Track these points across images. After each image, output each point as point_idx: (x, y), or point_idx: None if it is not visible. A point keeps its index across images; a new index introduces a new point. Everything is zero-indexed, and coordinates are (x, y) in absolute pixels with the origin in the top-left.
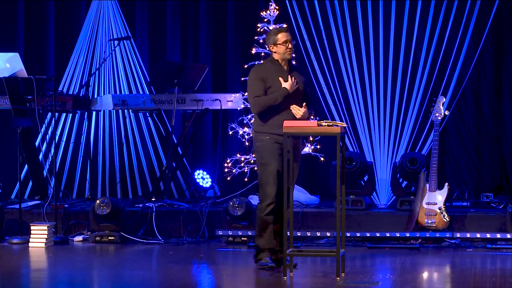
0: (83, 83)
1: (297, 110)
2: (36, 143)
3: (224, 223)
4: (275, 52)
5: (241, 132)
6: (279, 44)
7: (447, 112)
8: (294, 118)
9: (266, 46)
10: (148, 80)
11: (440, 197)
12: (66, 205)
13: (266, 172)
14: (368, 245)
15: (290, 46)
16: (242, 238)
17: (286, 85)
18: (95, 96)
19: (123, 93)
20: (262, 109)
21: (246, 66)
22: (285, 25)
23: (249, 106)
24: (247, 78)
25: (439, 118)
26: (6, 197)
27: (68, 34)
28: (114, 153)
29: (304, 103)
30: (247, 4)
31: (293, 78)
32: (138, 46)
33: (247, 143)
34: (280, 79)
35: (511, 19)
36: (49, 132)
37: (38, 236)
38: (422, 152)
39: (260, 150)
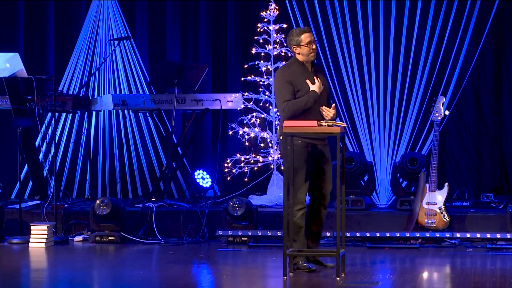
0: (83, 83)
1: (328, 112)
2: (36, 143)
3: (224, 223)
4: (298, 54)
5: (241, 132)
6: (303, 45)
7: (447, 112)
8: (323, 119)
9: (288, 47)
10: (148, 80)
11: (440, 197)
12: (66, 205)
13: (297, 177)
14: (368, 245)
15: (314, 47)
16: (242, 238)
17: (314, 87)
18: (95, 96)
19: (123, 93)
20: (294, 114)
21: (246, 66)
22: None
23: (249, 106)
24: (247, 78)
25: (439, 118)
26: (6, 197)
27: (68, 34)
28: (114, 153)
29: (334, 104)
30: (247, 4)
31: (318, 79)
32: (138, 46)
33: (247, 143)
34: (308, 82)
35: (511, 19)
36: (49, 132)
37: (38, 236)
38: (422, 152)
39: (290, 154)
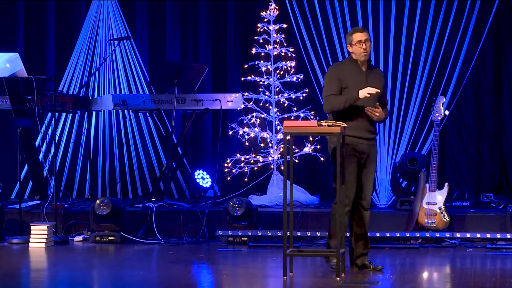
0: (83, 83)
1: (373, 112)
2: (36, 143)
3: (224, 223)
4: (352, 53)
5: (241, 132)
6: (354, 44)
7: (447, 112)
8: (370, 120)
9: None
10: (148, 80)
11: (440, 197)
12: (66, 205)
13: (344, 175)
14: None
15: (364, 46)
16: (242, 238)
17: (361, 93)
18: (95, 96)
19: (123, 93)
20: (332, 109)
21: (246, 66)
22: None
23: (249, 106)
24: (247, 78)
25: (439, 118)
26: (6, 197)
27: (68, 34)
28: (114, 153)
29: (377, 103)
30: (247, 4)
31: (370, 86)
32: (138, 46)
33: (247, 143)
34: (361, 92)
35: (511, 19)
36: (49, 132)
37: (38, 236)
38: (422, 152)
39: (336, 153)
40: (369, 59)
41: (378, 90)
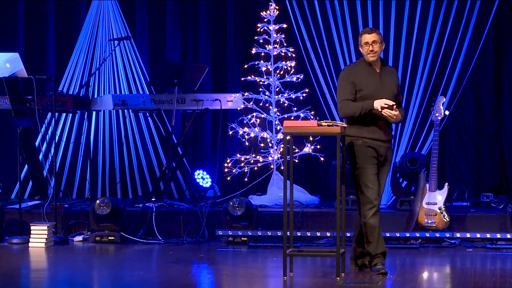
0: (83, 83)
1: (389, 115)
2: (36, 143)
3: (224, 223)
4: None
5: (241, 132)
6: (362, 45)
7: (447, 112)
8: (385, 121)
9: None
10: (148, 80)
11: (440, 197)
12: (66, 205)
13: (364, 177)
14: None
15: (371, 48)
16: (242, 238)
17: (376, 103)
18: (95, 96)
19: (123, 93)
20: (347, 116)
21: (246, 66)
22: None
23: (249, 106)
24: (247, 78)
25: (439, 118)
26: (6, 197)
27: (68, 34)
28: (114, 153)
29: (394, 105)
30: (247, 4)
31: (385, 87)
32: (138, 46)
33: (247, 143)
34: (377, 103)
35: (511, 19)
36: (49, 132)
37: (38, 236)
38: (422, 152)
39: (355, 155)
40: (381, 58)
41: (393, 103)
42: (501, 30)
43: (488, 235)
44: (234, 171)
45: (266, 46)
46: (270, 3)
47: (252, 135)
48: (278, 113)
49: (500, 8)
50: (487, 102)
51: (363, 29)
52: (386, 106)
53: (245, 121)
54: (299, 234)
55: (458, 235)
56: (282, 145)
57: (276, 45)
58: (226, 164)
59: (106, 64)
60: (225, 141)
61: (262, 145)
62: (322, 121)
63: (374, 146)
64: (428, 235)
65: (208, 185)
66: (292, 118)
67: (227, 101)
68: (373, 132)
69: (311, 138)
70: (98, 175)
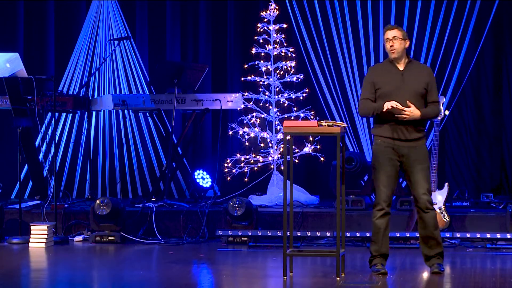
0: (83, 83)
1: (401, 112)
2: (36, 143)
3: (224, 223)
4: None
5: (241, 132)
6: (384, 42)
7: (447, 112)
8: (410, 121)
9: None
10: (148, 80)
11: (440, 197)
12: (66, 205)
13: (377, 177)
14: (368, 245)
15: (391, 43)
16: (242, 238)
17: (385, 105)
18: (95, 96)
19: (123, 93)
20: (363, 115)
21: (246, 66)
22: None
23: (249, 106)
24: (247, 78)
25: (439, 118)
26: (6, 197)
27: (68, 34)
28: (114, 153)
29: (408, 101)
30: (247, 4)
31: (406, 86)
32: (138, 46)
33: (247, 143)
34: (385, 104)
35: (511, 19)
36: (49, 132)
37: (38, 236)
38: None
39: (373, 154)
40: (408, 56)
41: (398, 105)
42: (501, 30)
43: (488, 235)
44: (234, 171)
45: (266, 46)
46: (270, 3)
47: (252, 135)
48: (278, 113)
49: (500, 8)
50: (487, 102)
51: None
52: (391, 108)
53: (245, 121)
54: (299, 234)
55: (458, 235)
56: (282, 145)
57: (276, 45)
58: (226, 164)
59: (106, 64)
60: (225, 141)
61: (262, 145)
62: (322, 121)
63: (393, 146)
64: None
65: (208, 185)
66: (292, 118)
67: (227, 101)
68: (393, 131)
69: (311, 138)
70: (98, 175)
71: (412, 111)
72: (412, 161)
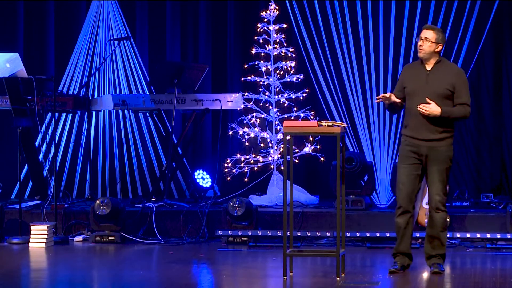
0: (83, 83)
1: (422, 108)
2: (36, 143)
3: (224, 223)
4: None
5: (241, 132)
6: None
7: None
8: (427, 120)
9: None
10: (148, 80)
11: None
12: (66, 205)
13: (397, 175)
14: (368, 245)
15: (420, 43)
16: (242, 238)
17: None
18: (95, 96)
19: (123, 93)
20: (389, 110)
21: (246, 66)
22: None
23: (249, 106)
24: (247, 78)
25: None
26: (6, 197)
27: (68, 34)
28: (114, 153)
29: (427, 98)
30: (247, 4)
31: (429, 87)
32: (138, 46)
33: (247, 143)
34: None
35: (511, 19)
36: (49, 132)
37: (38, 236)
38: None
39: (399, 153)
40: (441, 58)
41: (394, 99)
42: (501, 30)
43: (488, 235)
44: (234, 171)
45: (266, 46)
46: (270, 3)
47: (252, 135)
48: (278, 113)
49: (500, 8)
50: (487, 102)
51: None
52: (382, 98)
53: (245, 121)
54: (299, 234)
55: (458, 235)
56: (282, 145)
57: (276, 45)
58: (226, 164)
59: (106, 64)
60: (225, 141)
61: (262, 145)
62: (322, 121)
63: (415, 145)
64: None
65: (208, 185)
66: (292, 118)
67: (227, 101)
68: (414, 130)
69: (311, 138)
70: (98, 175)
71: (431, 107)
72: (431, 161)
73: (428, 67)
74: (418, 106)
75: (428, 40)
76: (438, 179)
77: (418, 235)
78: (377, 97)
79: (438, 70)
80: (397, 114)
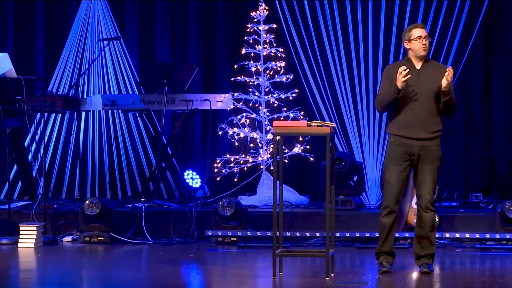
0: (72, 83)
1: (451, 72)
2: (26, 144)
3: (214, 223)
4: (409, 49)
5: (230, 133)
6: (413, 39)
7: None
8: (419, 119)
9: (403, 44)
10: (138, 80)
11: None
12: (55, 206)
13: (385, 175)
14: (358, 245)
15: (424, 41)
16: (232, 239)
17: (398, 81)
18: (85, 97)
19: (112, 93)
20: (381, 107)
21: (236, 66)
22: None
23: (238, 106)
24: (236, 78)
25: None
26: None
27: (57, 34)
28: (104, 154)
29: (448, 68)
30: (236, 4)
31: (422, 85)
32: (128, 47)
33: (236, 144)
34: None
35: (500, 20)
36: (39, 132)
37: (27, 236)
38: None
39: (386, 152)
40: (427, 56)
41: (405, 68)
42: (491, 30)
43: (477, 235)
44: (223, 171)
45: (256, 46)
46: (260, 3)
47: (241, 135)
48: (267, 114)
49: (490, 8)
50: (476, 102)
51: (411, 24)
52: (403, 70)
53: (234, 122)
54: (288, 235)
55: (447, 235)
56: (271, 146)
57: (265, 45)
58: (215, 165)
59: (96, 64)
60: (215, 142)
61: (251, 145)
62: (311, 122)
63: (406, 144)
64: None
65: (197, 185)
66: (282, 118)
67: (217, 101)
68: (406, 129)
69: (300, 139)
70: (88, 175)
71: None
72: (422, 161)
73: (418, 65)
74: (447, 70)
75: (428, 38)
76: (430, 179)
77: (407, 235)
78: (404, 69)
79: (428, 68)
80: (381, 114)
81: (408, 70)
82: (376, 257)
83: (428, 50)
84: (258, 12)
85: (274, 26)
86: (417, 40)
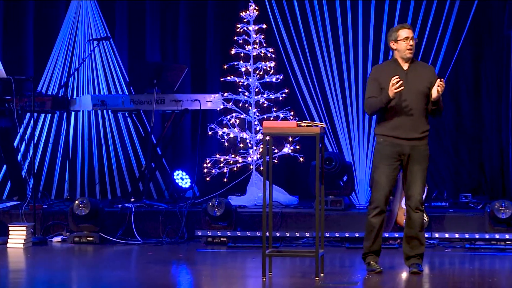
0: (62, 84)
1: (442, 85)
2: (15, 144)
3: (203, 223)
4: (395, 50)
5: (220, 133)
6: (400, 40)
7: None
8: (409, 119)
9: (389, 44)
10: (128, 80)
11: None
12: (44, 206)
13: (375, 176)
14: (347, 246)
15: (411, 43)
16: (221, 239)
17: (390, 91)
18: (74, 97)
19: (102, 93)
20: (371, 111)
21: (225, 66)
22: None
23: (228, 106)
24: (226, 78)
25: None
26: None
27: (47, 34)
28: (93, 154)
29: (439, 79)
30: (226, 4)
31: (411, 85)
32: (118, 47)
33: (226, 144)
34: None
35: (490, 21)
36: (28, 132)
37: (17, 236)
38: None
39: (375, 152)
40: (413, 57)
41: (398, 80)
42: (480, 31)
43: (467, 235)
44: (213, 171)
45: (246, 46)
46: (249, 4)
47: (231, 135)
48: (257, 114)
49: (479, 9)
50: (466, 102)
51: (397, 25)
52: (395, 82)
53: (224, 122)
54: (278, 235)
55: (436, 235)
56: (261, 146)
57: (255, 46)
58: (205, 165)
59: (85, 64)
60: (205, 142)
61: (241, 145)
62: (301, 122)
63: (396, 145)
64: None
65: (187, 185)
66: (272, 118)
67: (207, 101)
68: (396, 130)
69: (290, 139)
70: (77, 175)
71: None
72: (412, 161)
73: (405, 66)
74: (438, 81)
75: (413, 39)
76: (420, 179)
77: (397, 235)
78: (397, 81)
79: (415, 68)
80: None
81: (401, 81)
82: (363, 258)
83: (413, 52)
84: (248, 12)
85: (264, 26)
86: (404, 41)
